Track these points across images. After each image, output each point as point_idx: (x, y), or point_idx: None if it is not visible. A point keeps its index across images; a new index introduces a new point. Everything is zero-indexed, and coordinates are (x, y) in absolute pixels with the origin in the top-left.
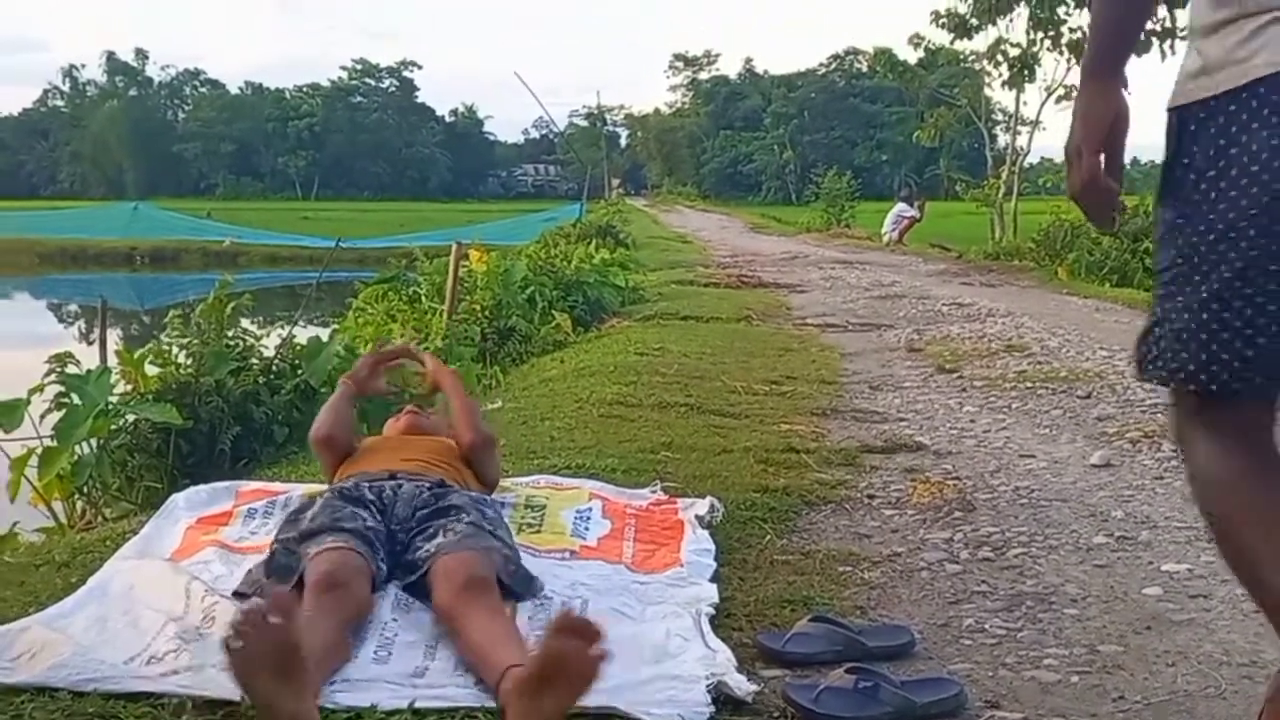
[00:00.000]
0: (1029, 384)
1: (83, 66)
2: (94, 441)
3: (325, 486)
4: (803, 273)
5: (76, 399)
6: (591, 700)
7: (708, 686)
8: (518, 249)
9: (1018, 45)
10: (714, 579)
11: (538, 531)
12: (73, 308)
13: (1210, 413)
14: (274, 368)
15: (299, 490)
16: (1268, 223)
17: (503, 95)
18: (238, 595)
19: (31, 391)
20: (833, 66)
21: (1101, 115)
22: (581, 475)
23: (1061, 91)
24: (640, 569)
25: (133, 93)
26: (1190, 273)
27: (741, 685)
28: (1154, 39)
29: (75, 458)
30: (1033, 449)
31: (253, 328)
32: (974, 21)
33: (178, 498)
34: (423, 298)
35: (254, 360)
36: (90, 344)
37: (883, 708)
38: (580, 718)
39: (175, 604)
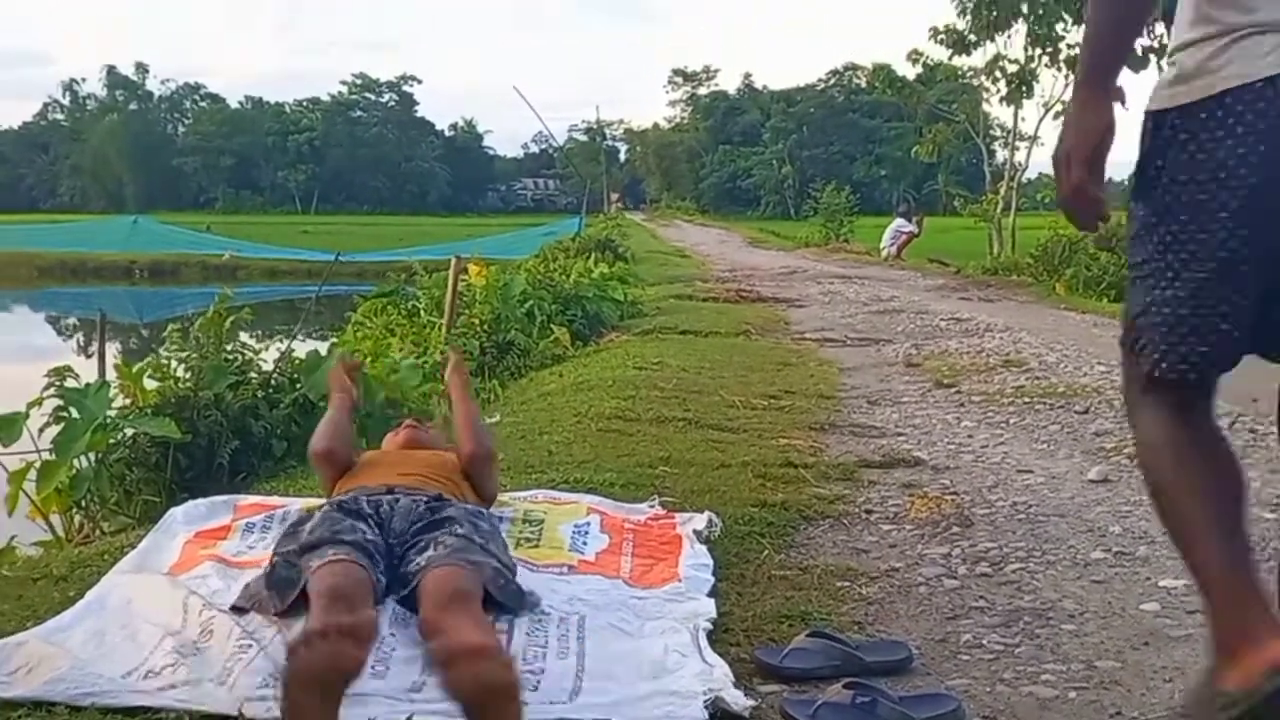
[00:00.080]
0: (1027, 399)
1: (83, 80)
2: (92, 455)
3: (323, 501)
4: (801, 288)
5: (75, 413)
6: (590, 715)
7: (705, 702)
8: (517, 263)
9: (1016, 61)
10: (712, 594)
11: (536, 546)
12: (72, 321)
13: (1159, 389)
14: (273, 382)
15: (297, 504)
16: (1233, 229)
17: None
18: (236, 609)
19: (30, 405)
20: (831, 82)
21: (1092, 126)
22: (580, 490)
23: (1059, 107)
24: (638, 584)
25: (133, 106)
26: (1164, 269)
27: (739, 701)
28: (1151, 55)
29: (73, 471)
30: (1030, 464)
31: (251, 341)
32: (972, 38)
33: (176, 512)
34: (422, 311)
35: (253, 374)
36: (89, 357)
37: None
38: None
39: (173, 618)
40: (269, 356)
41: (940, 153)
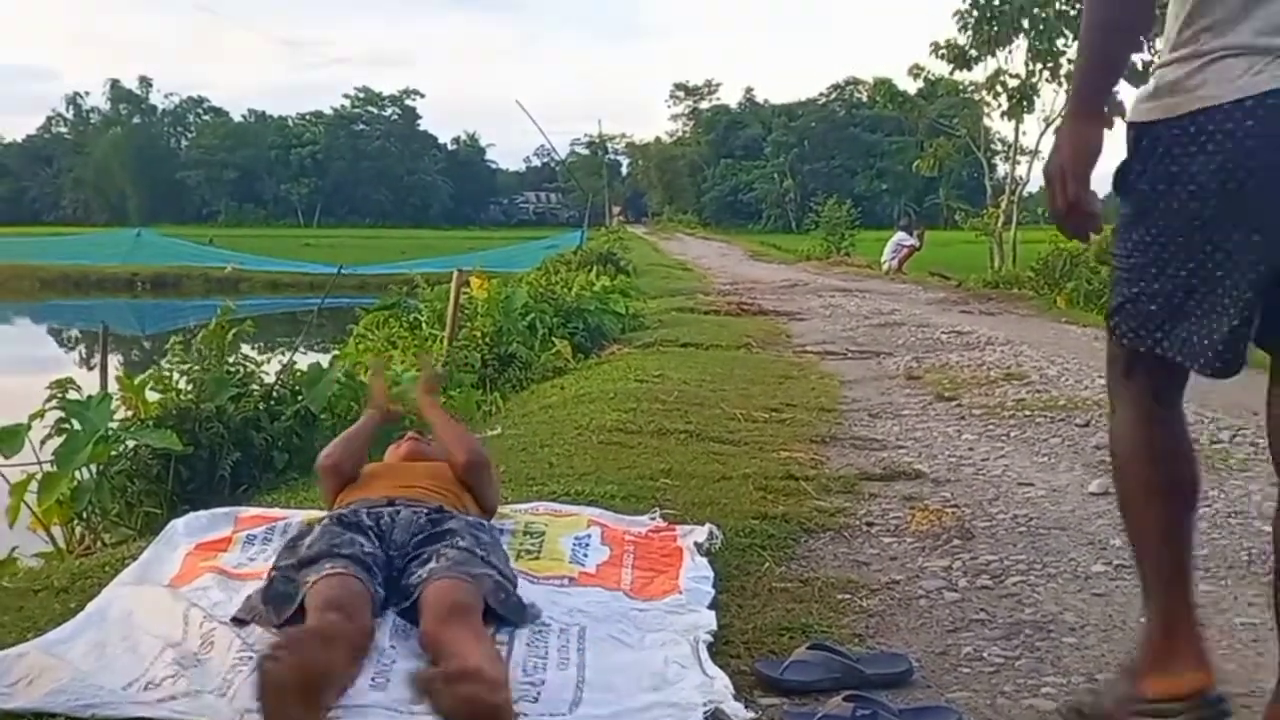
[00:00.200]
0: (1028, 412)
1: (87, 94)
2: (94, 467)
3: (325, 513)
4: (802, 300)
5: (77, 425)
6: None
7: (705, 714)
8: (519, 276)
9: (1017, 76)
10: (712, 606)
11: (536, 558)
12: (74, 333)
13: (1137, 374)
14: (274, 394)
15: (298, 516)
16: (1203, 239)
17: (505, 123)
18: (236, 621)
19: (32, 417)
20: (833, 96)
21: (1085, 144)
22: (581, 502)
23: (1060, 122)
24: (639, 596)
25: (136, 120)
26: (1144, 266)
27: (739, 713)
28: (1150, 72)
29: (75, 483)
30: (1031, 477)
31: (254, 354)
32: (973, 53)
33: (177, 523)
34: (423, 324)
35: (254, 386)
36: (91, 369)
37: None
38: None
39: (174, 630)
40: (271, 369)
41: (941, 167)
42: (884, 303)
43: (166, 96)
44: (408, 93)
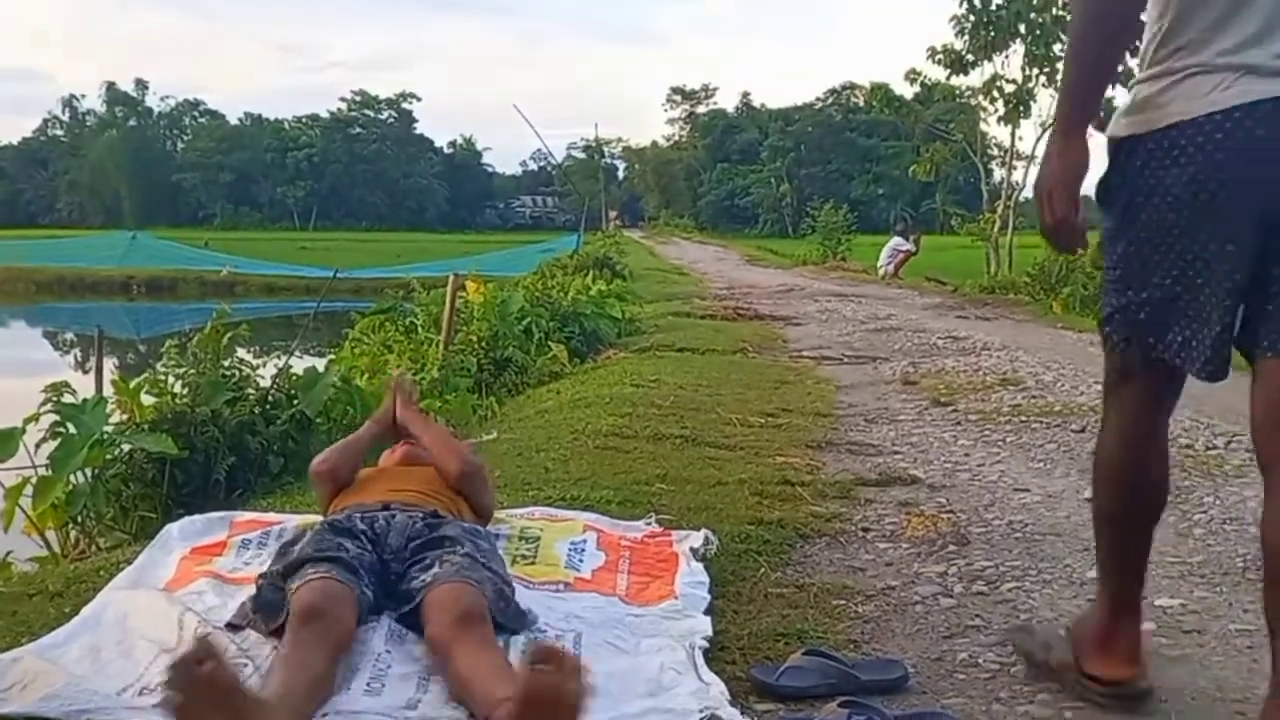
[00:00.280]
0: (1023, 418)
1: (83, 96)
2: (89, 471)
3: (320, 517)
4: (799, 305)
5: (72, 428)
6: None
7: None
8: (515, 280)
9: (1013, 81)
10: (708, 612)
11: (532, 563)
12: (69, 336)
13: (1131, 383)
14: (270, 398)
15: (293, 521)
16: (1181, 249)
17: (501, 127)
18: (231, 626)
19: (27, 420)
20: (829, 101)
21: (1072, 163)
22: (576, 507)
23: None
24: (634, 601)
25: (132, 123)
26: (1130, 276)
27: (735, 719)
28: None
29: (70, 487)
30: (1027, 483)
31: (249, 357)
32: (970, 58)
33: (172, 528)
34: (419, 328)
35: (250, 390)
36: (86, 373)
37: None
38: None
39: (168, 635)
40: (266, 373)
41: (938, 172)
42: (880, 308)
43: (163, 99)
44: (404, 96)
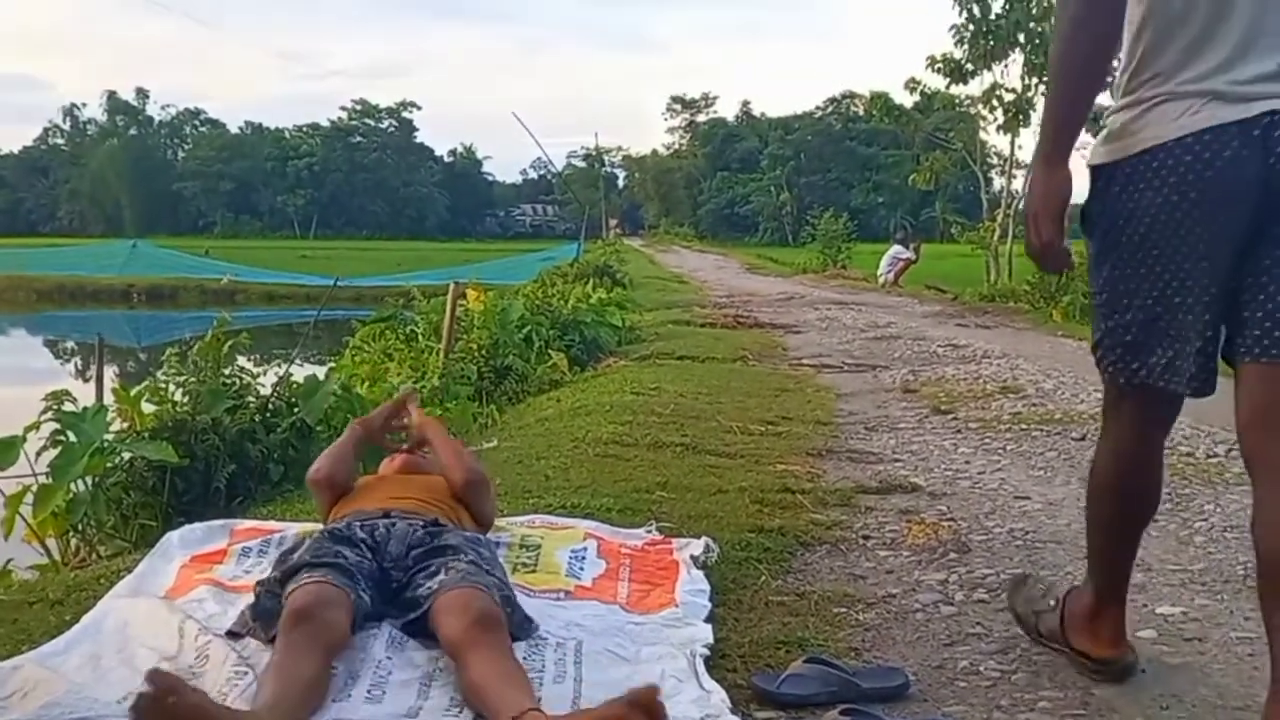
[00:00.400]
0: (1024, 426)
1: (83, 105)
2: (89, 479)
3: (320, 525)
4: (799, 313)
5: (72, 437)
6: None
7: None
8: (515, 288)
9: (1013, 90)
10: (709, 620)
11: (532, 571)
12: (70, 345)
13: (1125, 405)
14: (270, 406)
15: (294, 529)
16: (1160, 270)
17: (501, 136)
18: (231, 634)
19: (28, 429)
20: (829, 110)
21: (1056, 190)
22: (577, 515)
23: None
24: (635, 609)
25: (132, 131)
26: (1114, 299)
27: None
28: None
29: (70, 495)
30: (1028, 490)
31: (249, 366)
32: (970, 67)
33: (172, 536)
34: (419, 336)
35: (250, 398)
36: (87, 381)
37: None
38: None
39: (169, 643)
40: (267, 381)
41: (937, 180)
42: (880, 316)
43: (163, 108)
44: (405, 105)
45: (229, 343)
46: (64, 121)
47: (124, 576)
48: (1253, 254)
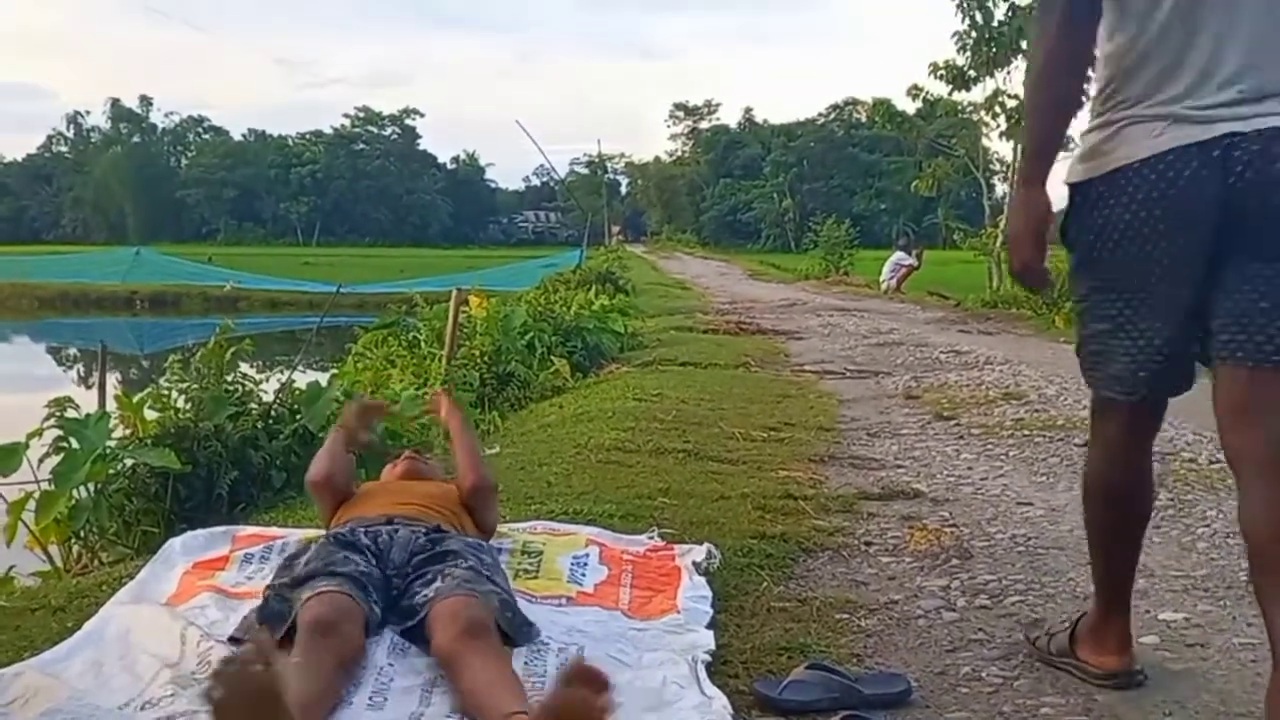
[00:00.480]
0: (1026, 431)
1: (87, 113)
2: (92, 486)
3: (322, 531)
4: (801, 320)
5: (75, 443)
6: None
7: None
8: (518, 295)
9: (1015, 97)
10: (711, 626)
11: (534, 577)
12: (72, 352)
13: (1107, 414)
14: (273, 412)
15: (296, 535)
16: (1127, 281)
17: (504, 143)
18: (233, 641)
19: (30, 435)
20: (832, 116)
21: (1035, 213)
22: (579, 521)
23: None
24: (637, 615)
25: (136, 139)
26: (1091, 309)
27: None
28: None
29: (73, 502)
30: (1030, 496)
31: (252, 372)
32: (972, 73)
33: (174, 542)
34: (422, 343)
35: (253, 405)
36: (89, 388)
37: None
38: None
39: (171, 649)
40: (269, 387)
41: (940, 187)
42: (882, 322)
43: (167, 116)
44: (407, 112)
45: (232, 349)
46: (68, 129)
47: (126, 583)
48: (1218, 273)
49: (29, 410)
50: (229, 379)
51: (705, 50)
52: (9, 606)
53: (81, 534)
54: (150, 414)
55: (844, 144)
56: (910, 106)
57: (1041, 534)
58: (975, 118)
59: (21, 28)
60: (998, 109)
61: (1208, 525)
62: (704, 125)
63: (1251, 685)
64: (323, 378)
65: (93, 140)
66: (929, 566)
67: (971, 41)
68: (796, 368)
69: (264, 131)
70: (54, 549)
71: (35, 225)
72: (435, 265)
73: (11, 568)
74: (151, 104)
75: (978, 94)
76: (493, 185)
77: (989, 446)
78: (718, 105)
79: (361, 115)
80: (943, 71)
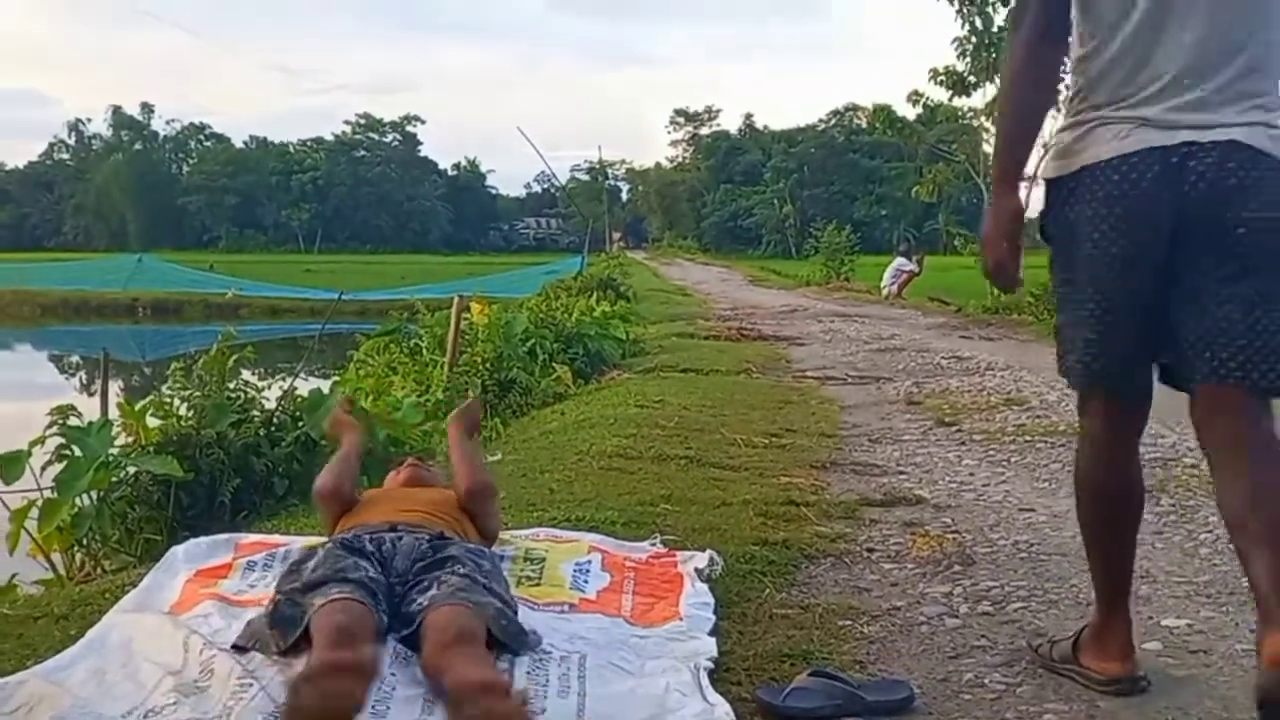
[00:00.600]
0: (1028, 437)
1: (88, 120)
2: (94, 493)
3: (325, 539)
4: (802, 326)
5: (78, 451)
6: None
7: None
8: (519, 301)
9: None
10: (713, 633)
11: (537, 584)
12: (75, 359)
13: (1088, 409)
14: (275, 420)
15: (299, 543)
16: (1096, 274)
17: (505, 149)
18: (236, 649)
19: (33, 443)
20: (832, 122)
21: (1005, 215)
22: (581, 528)
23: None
24: (639, 622)
25: (137, 146)
26: (1062, 302)
27: None
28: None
29: (75, 510)
30: (1032, 502)
31: (254, 380)
32: (972, 79)
33: (177, 550)
34: (424, 350)
35: (255, 412)
36: (92, 395)
37: None
38: None
39: (173, 657)
40: (271, 395)
41: (940, 192)
42: (884, 328)
43: (168, 123)
44: (409, 119)
45: (233, 357)
46: (69, 136)
47: (129, 591)
48: (1180, 278)
49: (31, 418)
50: (231, 386)
51: (706, 57)
52: (12, 614)
53: (84, 542)
54: (152, 421)
55: (845, 150)
56: (911, 112)
57: (1044, 540)
58: (976, 123)
59: (24, 34)
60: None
61: (1210, 531)
62: (705, 131)
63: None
64: (325, 385)
65: (94, 147)
66: (931, 573)
67: (971, 47)
68: (798, 374)
69: (265, 138)
70: (57, 557)
71: (37, 232)
72: (436, 272)
73: (14, 575)
74: (153, 111)
75: (978, 99)
76: (494, 192)
77: (991, 452)
78: (718, 111)
79: (363, 122)
80: (943, 77)
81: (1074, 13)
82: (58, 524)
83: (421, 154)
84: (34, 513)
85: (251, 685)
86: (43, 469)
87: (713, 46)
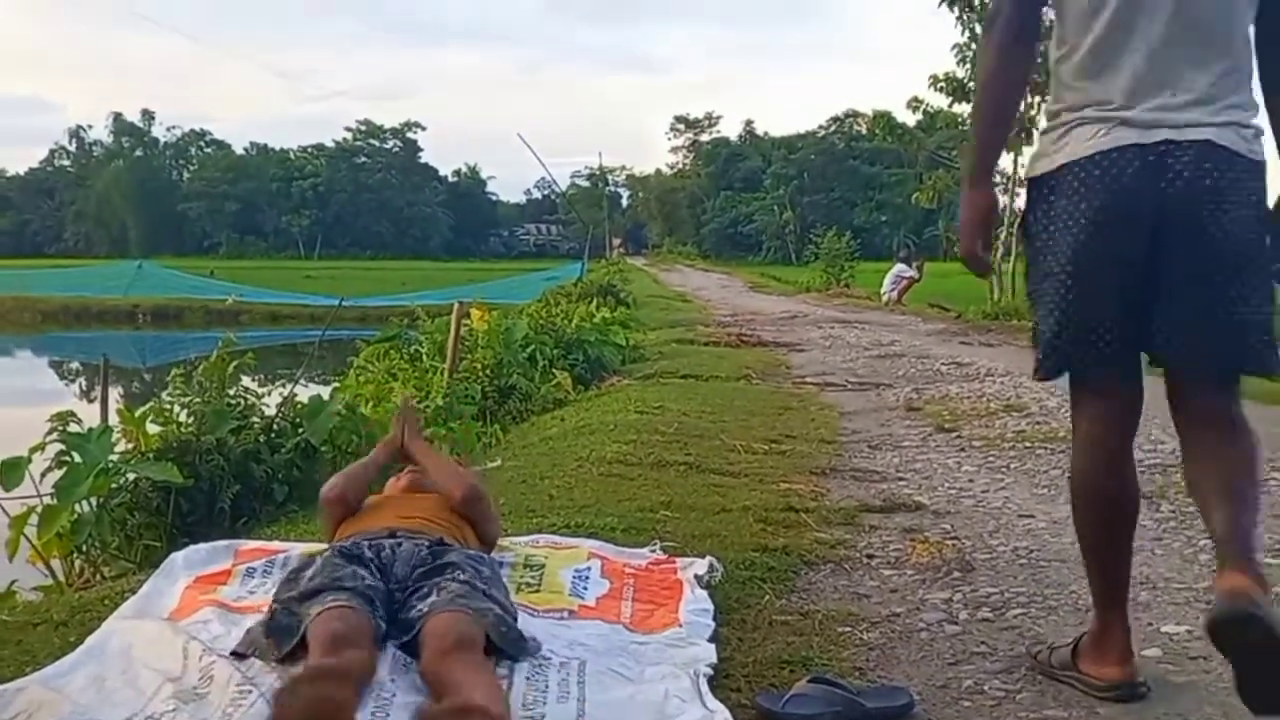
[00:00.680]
0: (1028, 444)
1: (89, 127)
2: (94, 500)
3: (324, 545)
4: (802, 332)
5: (77, 457)
6: None
7: None
8: (519, 308)
9: None
10: (712, 639)
11: (536, 591)
12: (75, 365)
13: (1080, 407)
14: (275, 426)
15: (298, 549)
16: (1074, 270)
17: (506, 156)
18: (236, 655)
19: (33, 450)
20: (832, 129)
21: (979, 206)
22: (580, 534)
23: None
24: (639, 629)
25: (138, 153)
26: (1041, 295)
27: None
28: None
29: (75, 516)
30: (1032, 509)
31: (254, 386)
32: (972, 85)
33: (176, 556)
34: (424, 356)
35: (255, 419)
36: (92, 402)
37: None
38: None
39: (173, 664)
40: (271, 401)
41: (940, 199)
42: (883, 334)
43: (169, 129)
44: (409, 125)
45: (234, 363)
46: (70, 143)
47: (128, 598)
48: (1156, 272)
49: (31, 424)
50: (231, 393)
51: (706, 63)
52: (11, 621)
53: (84, 548)
54: (152, 428)
55: (844, 156)
56: (910, 119)
57: (1044, 546)
58: None
59: (25, 41)
60: None
61: (1210, 535)
62: (705, 138)
63: None
64: (325, 391)
65: (95, 154)
66: (931, 579)
67: (971, 54)
68: (798, 380)
69: (266, 145)
70: (56, 563)
71: (37, 239)
72: (436, 278)
73: (14, 582)
74: (154, 118)
75: None
76: (494, 198)
77: (990, 459)
78: (718, 118)
79: (363, 128)
80: (943, 84)
81: (1050, 15)
82: (57, 530)
83: (422, 160)
84: (34, 519)
85: (251, 692)
86: (42, 475)
87: (713, 53)
